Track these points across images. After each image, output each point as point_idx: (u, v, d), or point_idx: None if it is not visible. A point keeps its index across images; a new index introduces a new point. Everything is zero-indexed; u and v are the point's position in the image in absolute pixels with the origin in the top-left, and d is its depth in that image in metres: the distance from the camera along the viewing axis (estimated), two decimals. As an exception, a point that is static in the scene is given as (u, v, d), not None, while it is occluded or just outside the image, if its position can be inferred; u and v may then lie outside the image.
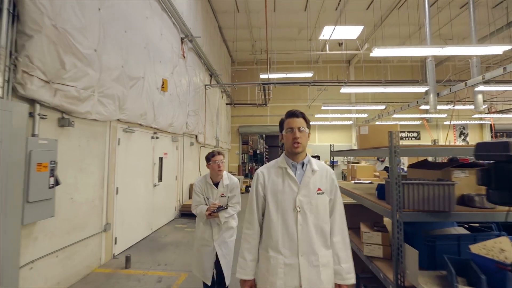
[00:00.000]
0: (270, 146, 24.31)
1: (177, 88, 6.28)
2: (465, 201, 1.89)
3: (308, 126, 1.46)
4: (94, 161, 3.58)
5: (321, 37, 8.55)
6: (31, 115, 2.53)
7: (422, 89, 7.09)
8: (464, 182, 1.92)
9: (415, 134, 14.68)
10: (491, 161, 1.26)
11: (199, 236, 2.49)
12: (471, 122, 13.77)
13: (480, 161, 2.20)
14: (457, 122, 14.01)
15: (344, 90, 7.69)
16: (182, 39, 6.72)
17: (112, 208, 3.95)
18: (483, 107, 11.67)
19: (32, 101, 2.56)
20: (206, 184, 2.54)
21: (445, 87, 8.01)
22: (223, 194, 2.51)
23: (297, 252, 1.34)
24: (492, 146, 1.23)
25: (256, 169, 17.47)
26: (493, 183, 1.23)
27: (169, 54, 5.87)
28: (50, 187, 2.62)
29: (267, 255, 1.40)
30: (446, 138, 11.16)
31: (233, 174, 10.89)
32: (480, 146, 1.30)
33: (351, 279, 1.40)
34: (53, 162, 2.65)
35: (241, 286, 1.47)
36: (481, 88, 6.68)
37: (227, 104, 13.40)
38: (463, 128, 14.61)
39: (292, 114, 1.44)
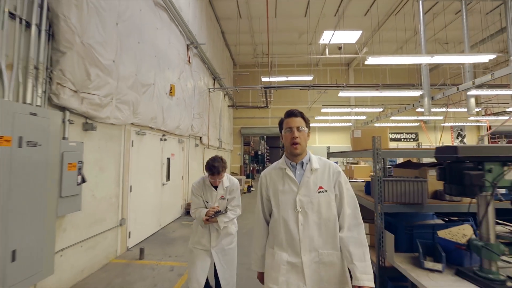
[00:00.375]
0: (271, 147, 24.66)
1: (183, 92, 6.64)
2: (438, 195, 2.23)
3: (308, 125, 1.46)
4: (111, 161, 3.93)
5: (321, 41, 8.91)
6: (63, 121, 2.89)
7: (417, 93, 7.41)
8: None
9: (413, 136, 15.02)
10: (446, 161, 1.61)
11: (196, 240, 2.37)
12: (467, 124, 14.09)
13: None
14: (454, 124, 14.32)
15: (342, 94, 8.04)
16: (188, 45, 7.08)
17: (127, 205, 4.30)
18: (478, 109, 11.97)
19: (62, 109, 2.91)
20: (204, 186, 2.40)
21: (440, 91, 8.34)
22: (222, 196, 2.38)
23: (299, 251, 1.35)
24: (446, 150, 1.58)
25: (258, 169, 17.72)
26: (447, 179, 1.57)
27: (176, 61, 6.23)
28: (78, 184, 2.97)
29: (272, 251, 1.44)
30: (440, 140, 11.44)
31: (235, 175, 11.12)
32: (438, 150, 1.65)
33: (367, 281, 1.27)
34: (80, 162, 3.00)
35: (257, 277, 1.62)
36: (473, 92, 7.00)
37: (229, 106, 13.76)
38: (461, 130, 14.93)
39: (290, 113, 1.45)
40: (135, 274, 3.44)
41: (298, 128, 1.41)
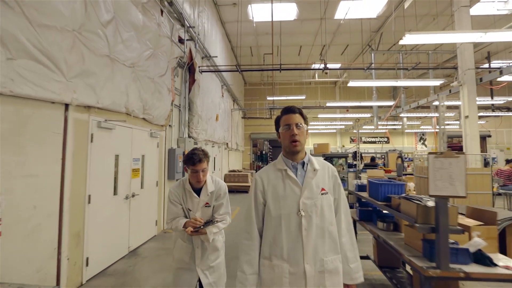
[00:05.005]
0: (273, 146, 29.09)
1: (220, 116, 10.82)
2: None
3: (306, 122, 1.39)
4: (198, 159, 8.12)
5: (312, 67, 12.97)
6: (194, 142, 7.08)
7: (369, 114, 11.52)
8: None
9: (385, 139, 19.11)
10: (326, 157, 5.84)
11: (177, 257, 2.01)
12: (426, 130, 18.18)
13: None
14: (417, 130, 18.42)
15: (321, 115, 12.18)
16: (222, 86, 11.26)
17: (221, 178, 8.51)
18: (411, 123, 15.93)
19: (190, 137, 7.10)
20: (184, 191, 1.98)
21: (384, 111, 12.44)
22: (207, 204, 1.97)
23: (302, 259, 1.26)
24: (325, 155, 5.85)
25: (262, 166, 21.89)
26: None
27: (217, 99, 10.41)
28: (196, 168, 7.18)
29: (270, 263, 1.31)
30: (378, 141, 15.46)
31: (246, 170, 15.55)
32: (323, 155, 5.91)
33: (360, 278, 1.35)
34: (196, 159, 7.21)
35: None
36: (403, 114, 11.10)
37: (242, 117, 17.95)
38: (423, 135, 19.00)
39: (288, 110, 1.37)
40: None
41: (297, 125, 1.33)
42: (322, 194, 1.32)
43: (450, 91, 7.09)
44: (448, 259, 1.73)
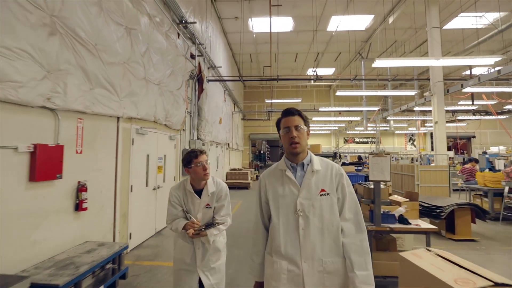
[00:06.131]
0: (271, 146, 30.15)
1: (223, 119, 11.83)
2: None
3: (306, 124, 1.40)
4: (212, 159, 9.14)
5: (307, 73, 14.00)
6: (202, 144, 8.10)
7: (359, 117, 12.60)
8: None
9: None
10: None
11: (178, 258, 2.01)
12: (415, 132, 19.33)
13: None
14: (406, 131, 19.56)
15: (315, 118, 13.24)
16: (224, 91, 12.27)
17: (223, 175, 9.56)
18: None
19: (199, 138, 8.11)
20: (185, 192, 2.01)
21: (372, 115, 13.54)
22: (208, 205, 1.99)
23: (300, 258, 1.28)
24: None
25: (261, 166, 23.07)
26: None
27: (220, 103, 11.42)
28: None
29: (271, 259, 1.37)
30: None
31: (245, 169, 16.70)
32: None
33: None
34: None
35: (254, 286, 1.50)
36: (391, 117, 12.19)
37: (242, 119, 18.97)
38: (412, 135, 20.16)
39: (287, 112, 1.39)
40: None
41: (296, 127, 1.35)
42: (321, 195, 1.32)
43: (425, 99, 8.18)
44: (380, 220, 2.78)
